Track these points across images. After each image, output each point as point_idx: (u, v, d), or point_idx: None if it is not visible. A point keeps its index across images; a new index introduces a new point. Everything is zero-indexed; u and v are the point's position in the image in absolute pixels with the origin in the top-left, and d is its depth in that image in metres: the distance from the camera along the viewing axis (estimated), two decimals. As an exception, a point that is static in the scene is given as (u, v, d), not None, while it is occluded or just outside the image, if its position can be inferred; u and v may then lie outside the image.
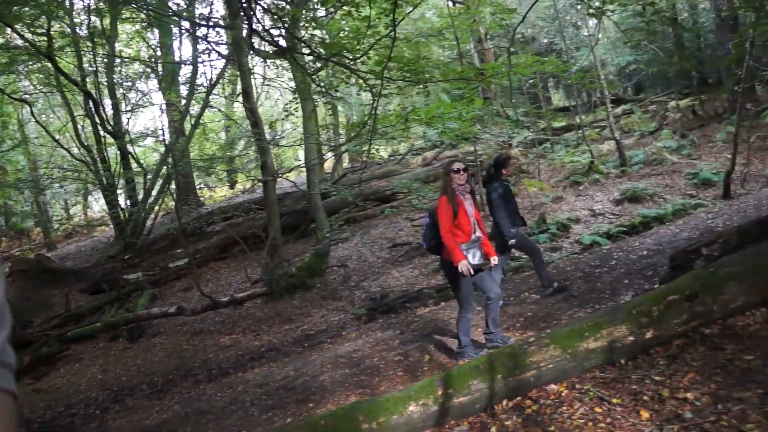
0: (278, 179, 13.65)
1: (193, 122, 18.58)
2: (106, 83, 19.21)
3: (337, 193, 15.09)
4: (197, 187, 22.25)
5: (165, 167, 17.06)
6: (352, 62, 8.42)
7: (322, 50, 7.35)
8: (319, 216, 13.23)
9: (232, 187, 25.78)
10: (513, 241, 7.66)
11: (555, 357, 4.63)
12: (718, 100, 19.09)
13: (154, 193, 18.29)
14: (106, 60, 18.97)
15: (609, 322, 4.72)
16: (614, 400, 4.18)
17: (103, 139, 19.20)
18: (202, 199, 22.61)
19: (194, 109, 19.27)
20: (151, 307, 13.14)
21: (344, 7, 7.66)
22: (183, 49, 29.59)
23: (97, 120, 18.27)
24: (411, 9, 8.48)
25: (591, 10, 9.30)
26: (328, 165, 23.67)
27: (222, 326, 11.84)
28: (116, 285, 14.75)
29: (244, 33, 10.80)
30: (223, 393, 7.88)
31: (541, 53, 25.19)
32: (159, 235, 18.04)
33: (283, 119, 14.09)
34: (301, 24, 11.45)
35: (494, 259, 6.17)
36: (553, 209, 13.65)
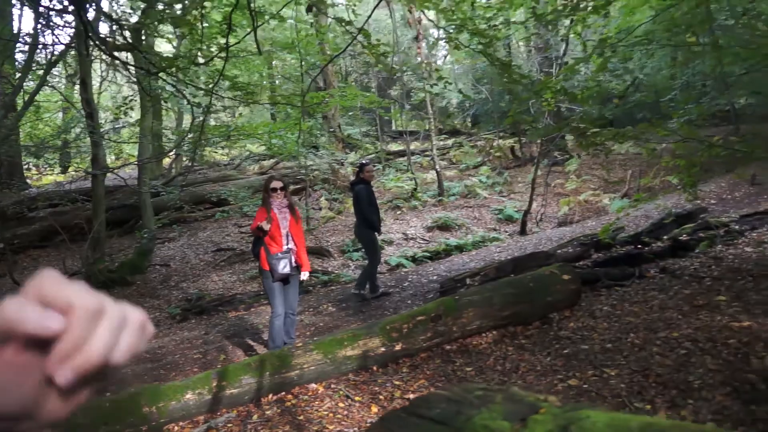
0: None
1: (26, 99, 17.88)
2: None
3: (166, 193, 15.30)
4: (24, 167, 21.32)
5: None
6: (182, 78, 8.86)
7: (152, 64, 7.75)
8: (146, 214, 13.46)
9: (64, 171, 24.92)
10: (372, 237, 8.89)
11: (317, 360, 5.46)
12: (534, 143, 21.09)
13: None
14: None
15: (365, 335, 5.63)
16: (356, 398, 5.07)
17: None
18: (29, 181, 21.67)
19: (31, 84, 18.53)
20: (-42, 291, 12.77)
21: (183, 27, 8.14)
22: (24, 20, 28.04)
23: None
24: (247, 33, 9.09)
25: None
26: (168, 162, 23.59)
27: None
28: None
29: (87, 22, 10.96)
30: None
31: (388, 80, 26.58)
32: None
33: (122, 112, 14.12)
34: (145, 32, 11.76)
35: (305, 274, 6.84)
36: (372, 231, 14.68)
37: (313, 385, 5.46)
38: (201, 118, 9.62)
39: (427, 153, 22.36)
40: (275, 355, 5.60)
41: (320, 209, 16.50)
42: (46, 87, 17.20)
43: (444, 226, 14.43)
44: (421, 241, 13.81)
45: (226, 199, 16.78)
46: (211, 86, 8.59)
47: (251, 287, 11.69)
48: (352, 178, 11.33)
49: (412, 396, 4.96)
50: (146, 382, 7.08)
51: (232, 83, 8.93)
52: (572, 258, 8.30)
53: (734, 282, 6.91)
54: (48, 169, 21.49)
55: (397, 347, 5.67)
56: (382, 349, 5.62)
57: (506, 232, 14.38)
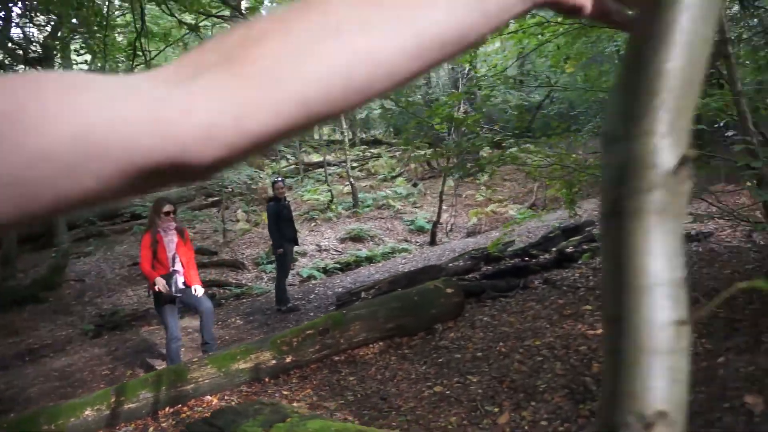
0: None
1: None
2: None
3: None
4: None
5: None
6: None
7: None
8: (59, 229, 13.47)
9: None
10: (280, 250, 9.24)
11: (211, 374, 5.84)
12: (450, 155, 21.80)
13: None
14: None
15: (257, 349, 6.04)
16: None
17: None
18: None
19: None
20: None
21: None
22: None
23: None
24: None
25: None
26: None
27: None
28: None
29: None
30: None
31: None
32: None
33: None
34: None
35: (198, 289, 7.04)
36: (286, 243, 15.05)
37: (208, 397, 5.83)
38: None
39: (344, 164, 22.88)
40: (172, 370, 5.95)
41: (237, 221, 16.77)
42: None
43: (357, 238, 14.92)
44: (334, 253, 14.26)
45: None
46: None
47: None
48: (270, 191, 11.72)
49: (296, 404, 5.40)
50: (53, 400, 7.27)
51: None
52: (463, 271, 8.89)
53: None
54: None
55: (288, 360, 6.09)
56: (273, 361, 6.04)
57: (417, 242, 14.98)
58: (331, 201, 17.32)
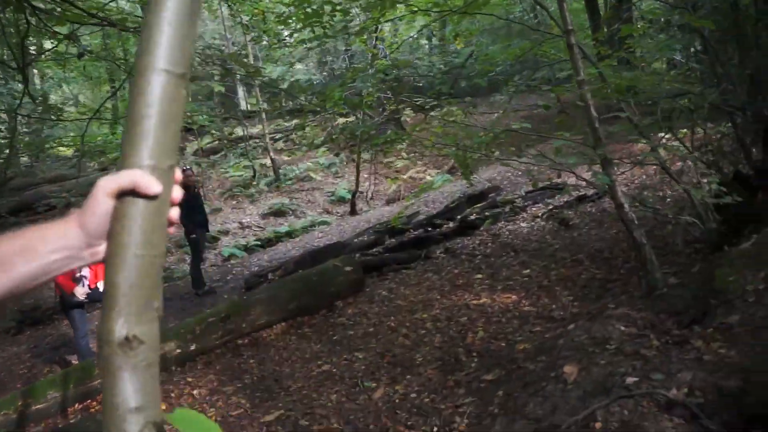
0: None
1: None
2: None
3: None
4: None
5: None
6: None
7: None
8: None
9: None
10: (193, 236, 9.41)
11: (118, 368, 6.10)
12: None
13: None
14: None
15: (161, 340, 6.30)
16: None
17: None
18: None
19: None
20: None
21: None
22: None
23: None
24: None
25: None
26: None
27: None
28: None
29: None
30: None
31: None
32: None
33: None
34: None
35: (78, 290, 7.00)
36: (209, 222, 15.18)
37: (116, 391, 6.10)
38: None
39: (271, 136, 22.85)
40: (79, 368, 6.19)
41: (159, 203, 16.75)
42: None
43: (279, 212, 15.15)
44: (256, 229, 14.49)
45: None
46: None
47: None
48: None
49: (195, 391, 5.74)
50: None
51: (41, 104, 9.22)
52: (367, 246, 9.29)
53: (498, 258, 8.08)
54: None
55: (192, 347, 6.40)
56: (178, 350, 6.34)
57: (338, 213, 15.30)
58: (253, 176, 17.45)
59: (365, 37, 9.88)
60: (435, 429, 4.06)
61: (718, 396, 2.79)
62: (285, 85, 24.84)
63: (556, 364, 3.91)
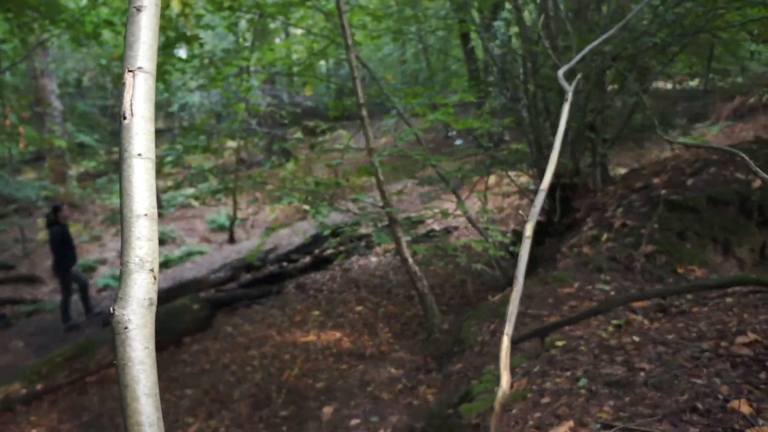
0: None
1: None
2: None
3: None
4: None
5: None
6: None
7: None
8: None
9: None
10: (74, 269, 9.84)
11: (-37, 408, 6.53)
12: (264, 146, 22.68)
13: None
14: None
15: (6, 382, 6.81)
16: (-8, 437, 6.25)
17: None
18: None
19: None
20: None
21: None
22: None
23: None
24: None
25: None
26: None
27: None
28: None
29: None
30: None
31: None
32: None
33: None
34: None
35: None
36: (86, 250, 15.44)
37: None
38: None
39: (159, 160, 23.07)
40: None
41: (39, 231, 16.83)
42: None
43: (160, 241, 15.48)
44: (134, 258, 14.77)
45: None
46: None
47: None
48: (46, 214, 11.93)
49: (43, 429, 6.27)
50: None
51: None
52: (223, 281, 9.95)
53: (340, 294, 8.91)
54: None
55: (39, 386, 6.89)
56: (24, 390, 6.82)
57: (217, 242, 15.82)
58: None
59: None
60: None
61: (408, 435, 3.65)
62: (175, 108, 25.22)
63: (324, 404, 4.72)
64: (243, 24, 14.84)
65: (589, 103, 6.65)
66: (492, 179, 11.53)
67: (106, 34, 8.89)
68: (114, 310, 1.05)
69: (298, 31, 12.48)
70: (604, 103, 6.93)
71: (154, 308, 1.08)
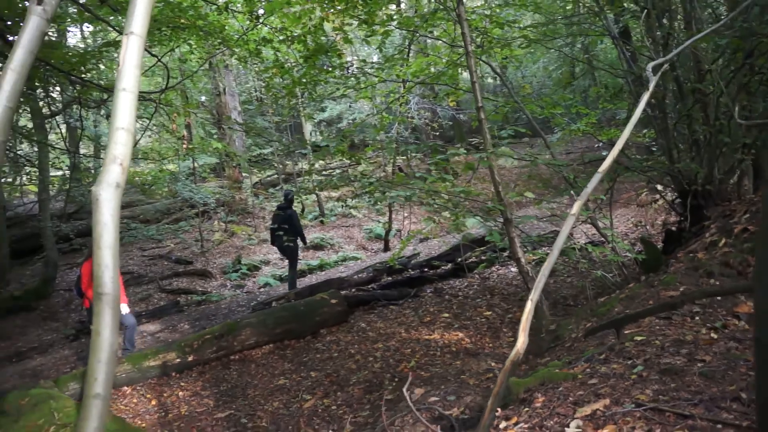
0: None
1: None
2: None
3: (58, 227, 16.89)
4: None
5: None
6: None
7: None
8: (48, 243, 15.16)
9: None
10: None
11: (128, 370, 7.49)
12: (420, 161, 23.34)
13: None
14: None
15: (164, 350, 7.70)
16: (147, 395, 7.13)
17: None
18: None
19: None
20: None
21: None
22: None
23: None
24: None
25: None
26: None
27: None
28: None
29: None
30: None
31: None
32: None
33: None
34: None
35: (123, 306, 8.61)
36: (253, 251, 16.73)
37: (125, 388, 7.49)
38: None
39: (325, 172, 24.36)
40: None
41: (215, 232, 18.45)
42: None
43: (318, 246, 16.50)
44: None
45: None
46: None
47: (138, 307, 13.62)
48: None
49: (182, 393, 7.06)
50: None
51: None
52: (364, 282, 10.49)
53: (473, 300, 9.15)
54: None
55: (190, 358, 7.74)
56: (178, 360, 7.69)
57: (372, 250, 16.55)
58: (302, 211, 18.91)
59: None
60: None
61: (478, 413, 3.87)
62: (343, 124, 26.54)
63: (419, 388, 5.02)
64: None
65: (718, 107, 6.45)
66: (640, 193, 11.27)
67: (267, 51, 9.71)
68: (91, 189, 1.45)
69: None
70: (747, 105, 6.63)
71: (120, 190, 1.47)
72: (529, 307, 2.71)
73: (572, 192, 7.28)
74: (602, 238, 8.04)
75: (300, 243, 11.69)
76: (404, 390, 3.87)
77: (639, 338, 3.89)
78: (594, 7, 8.22)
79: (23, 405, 3.55)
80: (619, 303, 5.19)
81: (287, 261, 12.19)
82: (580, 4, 9.46)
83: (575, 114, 9.11)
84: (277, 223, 11.53)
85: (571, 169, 7.56)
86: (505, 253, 11.29)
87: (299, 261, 12.59)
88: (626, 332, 4.04)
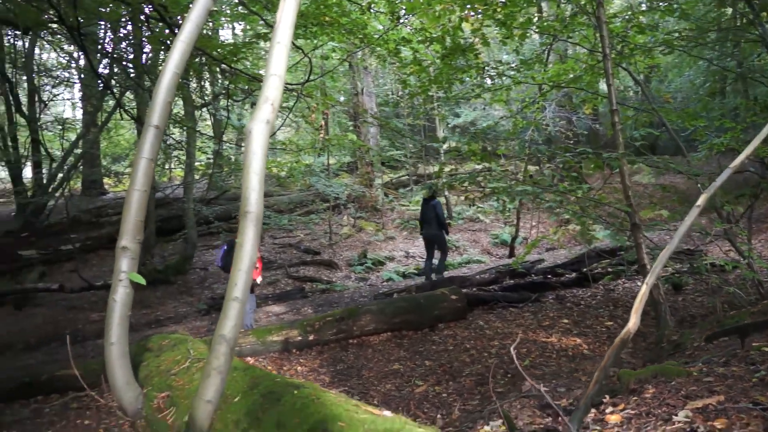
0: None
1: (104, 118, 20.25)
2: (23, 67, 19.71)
3: (199, 210, 17.91)
4: (104, 174, 24.20)
5: (72, 156, 19.31)
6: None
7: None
8: (189, 224, 16.18)
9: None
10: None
11: (252, 342, 7.90)
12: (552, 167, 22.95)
13: (59, 177, 19.77)
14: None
15: (288, 327, 8.07)
16: (269, 367, 7.50)
17: (15, 118, 19.49)
18: (107, 186, 24.58)
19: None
20: (39, 282, 15.74)
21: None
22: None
23: (11, 101, 18.83)
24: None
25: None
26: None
27: (94, 305, 14.62)
28: (9, 259, 16.93)
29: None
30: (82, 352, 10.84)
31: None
32: (57, 220, 20.11)
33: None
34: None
35: (258, 279, 9.16)
36: (379, 247, 17.09)
37: (248, 358, 7.91)
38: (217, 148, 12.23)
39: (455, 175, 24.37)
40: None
41: (343, 226, 18.99)
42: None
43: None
44: (419, 260, 16.06)
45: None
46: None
47: (265, 291, 14.28)
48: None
49: (300, 368, 7.38)
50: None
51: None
52: (486, 282, 10.50)
53: (596, 309, 8.98)
54: (125, 177, 24.46)
55: (311, 338, 8.07)
56: (299, 338, 8.03)
57: (497, 255, 16.49)
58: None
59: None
60: (438, 416, 5.32)
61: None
62: (477, 129, 26.48)
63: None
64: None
65: None
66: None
67: (405, 51, 9.92)
68: (245, 125, 1.63)
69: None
70: None
71: (270, 126, 1.67)
72: (644, 290, 2.70)
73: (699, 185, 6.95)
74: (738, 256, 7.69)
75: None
76: (511, 349, 3.92)
77: (766, 349, 3.75)
78: (749, 14, 7.85)
79: (164, 344, 3.89)
80: (749, 317, 4.98)
81: (434, 251, 12.53)
82: (732, 10, 9.05)
83: (719, 127, 8.74)
84: (424, 213, 12.13)
85: (707, 178, 7.25)
86: (633, 267, 10.99)
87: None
88: (753, 344, 3.90)
